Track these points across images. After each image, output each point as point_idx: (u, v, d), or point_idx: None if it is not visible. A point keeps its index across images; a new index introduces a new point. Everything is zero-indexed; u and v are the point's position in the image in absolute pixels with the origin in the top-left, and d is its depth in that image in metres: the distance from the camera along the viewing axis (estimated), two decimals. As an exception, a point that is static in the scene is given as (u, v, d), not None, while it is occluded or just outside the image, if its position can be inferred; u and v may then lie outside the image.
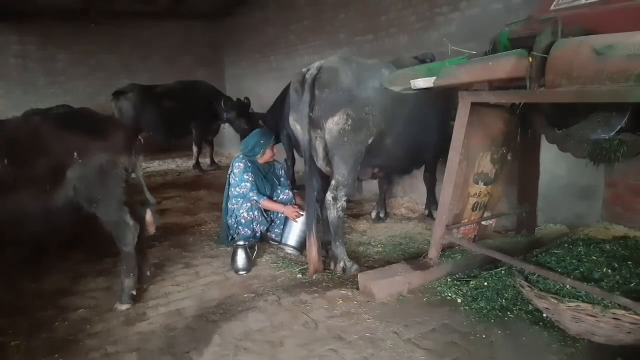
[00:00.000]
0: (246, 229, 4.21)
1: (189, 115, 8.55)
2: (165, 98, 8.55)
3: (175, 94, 8.66)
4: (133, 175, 3.29)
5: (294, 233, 4.15)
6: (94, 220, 3.24)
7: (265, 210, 4.31)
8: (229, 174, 4.39)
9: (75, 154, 2.99)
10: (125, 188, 3.21)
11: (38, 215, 3.02)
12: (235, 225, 4.27)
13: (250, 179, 4.26)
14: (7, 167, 2.88)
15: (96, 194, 3.11)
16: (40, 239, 3.85)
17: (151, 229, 3.57)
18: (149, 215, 3.49)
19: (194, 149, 8.86)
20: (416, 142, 4.11)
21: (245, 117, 7.93)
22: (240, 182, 4.27)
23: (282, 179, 4.58)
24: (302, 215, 4.08)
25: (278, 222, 4.38)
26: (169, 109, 8.48)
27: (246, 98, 8.15)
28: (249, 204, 4.23)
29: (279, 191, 4.45)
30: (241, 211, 4.23)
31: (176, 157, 10.66)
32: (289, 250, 4.16)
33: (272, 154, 4.47)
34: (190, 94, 8.66)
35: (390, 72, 3.69)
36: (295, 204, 4.34)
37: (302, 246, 4.07)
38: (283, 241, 4.21)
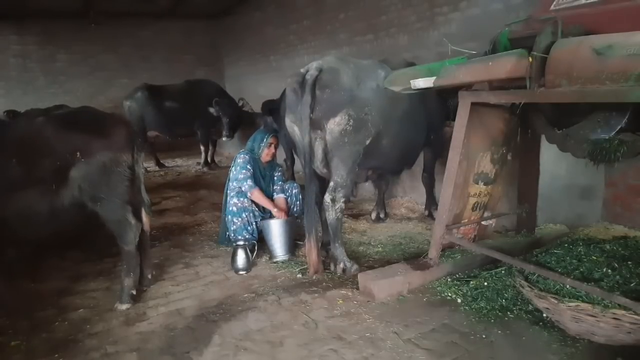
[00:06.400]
0: (238, 218, 4.13)
1: (193, 114, 8.67)
2: (172, 98, 8.75)
3: (182, 93, 8.82)
4: (135, 168, 3.28)
5: (279, 243, 4.03)
6: (94, 220, 3.24)
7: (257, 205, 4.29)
8: (231, 168, 4.39)
9: (79, 153, 2.99)
10: (128, 186, 3.21)
11: (46, 215, 3.03)
12: (230, 217, 4.19)
13: (250, 169, 4.28)
14: (13, 168, 2.88)
15: (100, 193, 3.11)
16: (42, 238, 3.85)
17: (145, 228, 3.55)
18: (143, 215, 3.48)
19: (202, 147, 9.11)
20: (411, 142, 4.12)
21: (234, 119, 8.10)
22: (241, 170, 4.26)
23: (277, 186, 4.50)
24: (283, 219, 4.11)
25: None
26: (175, 109, 8.69)
27: (241, 99, 8.20)
28: (239, 189, 4.22)
29: (274, 195, 4.45)
30: (233, 200, 4.19)
31: (176, 156, 10.66)
32: (285, 258, 4.04)
33: (271, 152, 4.42)
34: (196, 93, 8.74)
35: (384, 71, 3.70)
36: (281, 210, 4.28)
37: (291, 250, 4.06)
38: (274, 255, 4.06)
